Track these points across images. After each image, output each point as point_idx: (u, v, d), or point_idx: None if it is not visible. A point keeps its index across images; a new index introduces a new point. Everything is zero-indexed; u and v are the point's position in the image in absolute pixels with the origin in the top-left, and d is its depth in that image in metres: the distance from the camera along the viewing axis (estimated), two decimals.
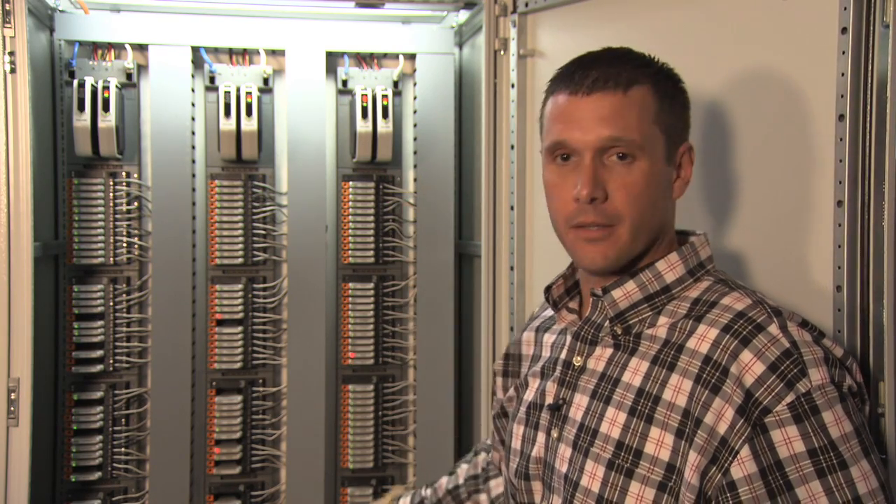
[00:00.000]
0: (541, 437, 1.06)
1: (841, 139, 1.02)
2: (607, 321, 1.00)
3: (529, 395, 1.11)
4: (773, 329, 0.88)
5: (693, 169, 1.01)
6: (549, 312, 1.21)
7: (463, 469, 1.42)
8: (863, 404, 0.89)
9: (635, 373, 0.95)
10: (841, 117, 1.02)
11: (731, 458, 0.84)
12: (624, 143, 0.94)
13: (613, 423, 0.94)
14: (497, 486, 1.35)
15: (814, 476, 0.80)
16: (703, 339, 0.91)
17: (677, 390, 0.90)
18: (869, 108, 0.99)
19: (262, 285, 1.92)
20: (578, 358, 1.02)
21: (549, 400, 1.05)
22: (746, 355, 0.86)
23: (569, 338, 1.06)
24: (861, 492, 0.81)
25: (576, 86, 0.97)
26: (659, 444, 0.90)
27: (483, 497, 1.38)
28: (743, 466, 0.83)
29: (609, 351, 0.99)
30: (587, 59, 0.99)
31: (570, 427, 1.00)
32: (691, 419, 0.88)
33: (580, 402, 1.00)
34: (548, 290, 1.11)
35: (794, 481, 0.81)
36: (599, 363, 1.00)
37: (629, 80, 0.96)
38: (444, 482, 1.43)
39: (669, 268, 0.97)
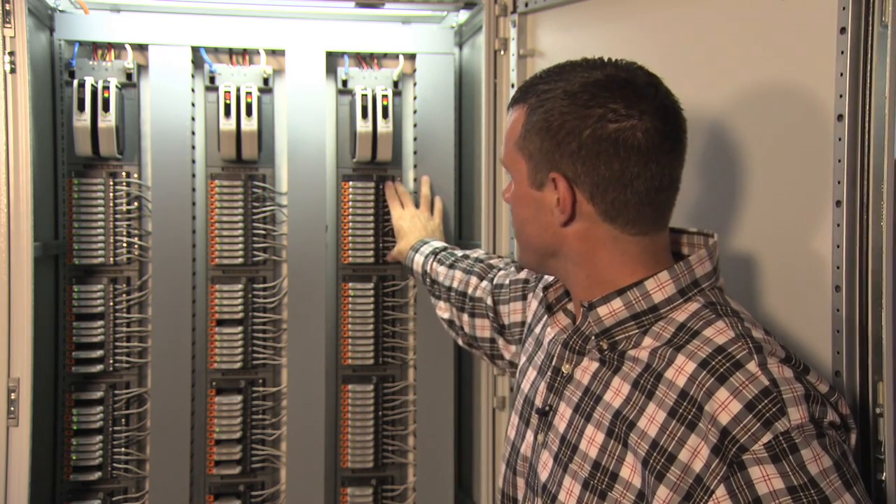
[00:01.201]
0: (529, 435, 1.07)
1: (840, 139, 1.02)
2: (593, 336, 0.99)
3: (526, 387, 1.11)
4: (752, 366, 0.85)
5: (570, 200, 0.95)
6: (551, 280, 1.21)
7: (457, 276, 1.55)
8: (848, 433, 0.87)
9: (616, 393, 0.93)
10: (840, 117, 1.02)
11: (706, 497, 0.82)
12: (502, 156, 1.03)
13: (592, 442, 0.94)
14: (473, 326, 1.49)
15: None
16: (680, 371, 0.89)
17: (651, 420, 0.89)
18: (868, 107, 0.99)
19: (262, 285, 1.92)
20: (567, 366, 1.02)
21: (539, 402, 1.05)
22: (722, 393, 0.84)
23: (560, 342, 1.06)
24: None
25: None
26: (633, 469, 0.89)
27: (465, 317, 1.50)
28: None
29: (595, 364, 0.98)
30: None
31: (553, 436, 1.00)
32: (661, 453, 0.86)
33: (564, 412, 1.00)
34: (546, 289, 1.11)
35: None
36: (585, 375, 0.99)
37: (515, 100, 1.01)
38: (442, 271, 1.59)
39: (658, 287, 0.95)
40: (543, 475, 1.00)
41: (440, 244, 1.69)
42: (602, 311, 0.96)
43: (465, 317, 1.49)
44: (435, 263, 1.60)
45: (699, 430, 0.84)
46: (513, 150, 1.00)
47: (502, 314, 1.40)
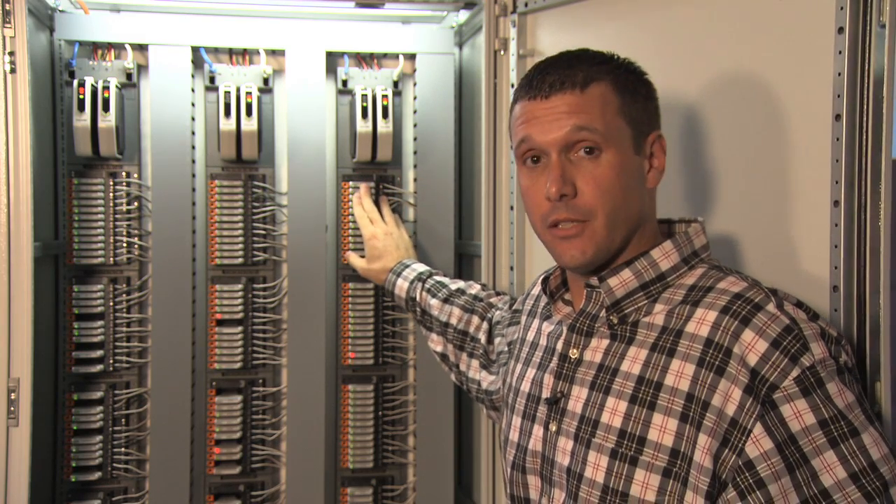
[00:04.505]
0: (537, 429, 1.07)
1: (837, 139, 1.02)
2: (603, 311, 1.01)
3: (526, 386, 1.11)
4: (771, 307, 0.90)
5: (667, 158, 1.04)
6: (536, 292, 1.25)
7: (456, 313, 1.55)
8: (856, 383, 0.90)
9: (634, 361, 0.96)
10: (837, 117, 1.02)
11: (744, 438, 0.85)
12: (588, 132, 0.97)
13: (614, 412, 0.96)
14: (469, 366, 1.50)
15: (827, 446, 0.82)
16: (702, 322, 0.92)
17: (679, 375, 0.91)
18: (865, 107, 0.99)
19: (262, 285, 1.92)
20: (574, 350, 1.03)
21: (546, 393, 1.05)
22: (748, 334, 0.88)
23: (564, 329, 1.07)
24: (875, 457, 0.82)
25: (535, 91, 1.00)
26: (662, 430, 0.91)
27: (464, 357, 1.51)
28: (758, 444, 0.84)
29: (605, 342, 1.00)
30: (543, 65, 1.03)
31: (569, 420, 1.01)
32: (697, 403, 0.89)
33: (579, 394, 1.01)
34: (545, 281, 1.13)
35: (808, 453, 0.82)
36: (597, 354, 1.01)
37: (586, 79, 0.99)
38: (435, 304, 1.58)
39: (664, 255, 1.00)
40: (566, 460, 1.00)
41: (422, 268, 1.69)
42: (613, 281, 0.99)
43: (464, 356, 1.51)
44: (425, 294, 1.61)
45: (728, 373, 0.88)
46: (613, 119, 0.98)
47: (495, 347, 1.43)
